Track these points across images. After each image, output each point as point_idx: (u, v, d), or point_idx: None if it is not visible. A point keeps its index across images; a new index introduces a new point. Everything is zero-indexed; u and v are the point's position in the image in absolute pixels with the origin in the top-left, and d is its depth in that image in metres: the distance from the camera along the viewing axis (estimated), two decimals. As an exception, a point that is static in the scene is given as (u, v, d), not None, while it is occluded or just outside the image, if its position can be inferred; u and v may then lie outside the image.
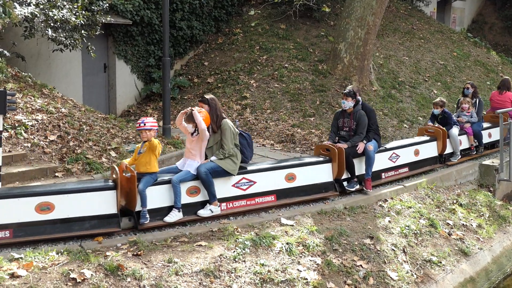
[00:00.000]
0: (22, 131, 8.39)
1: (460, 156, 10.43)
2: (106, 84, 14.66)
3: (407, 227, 7.56)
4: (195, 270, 5.52)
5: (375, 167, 8.56)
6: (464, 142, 10.71)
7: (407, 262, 6.94)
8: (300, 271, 6.02)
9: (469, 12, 26.79)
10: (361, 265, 6.47)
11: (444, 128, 10.10)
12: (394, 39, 18.71)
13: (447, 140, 10.14)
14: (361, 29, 14.45)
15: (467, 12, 26.57)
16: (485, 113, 12.33)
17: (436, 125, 10.35)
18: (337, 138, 8.55)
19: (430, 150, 9.95)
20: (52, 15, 10.44)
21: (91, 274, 5.03)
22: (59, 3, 10.69)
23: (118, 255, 5.49)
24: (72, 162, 8.10)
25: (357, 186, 8.26)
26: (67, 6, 10.86)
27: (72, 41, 11.08)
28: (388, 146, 9.25)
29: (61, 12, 10.62)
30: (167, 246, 5.93)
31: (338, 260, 6.41)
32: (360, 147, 8.22)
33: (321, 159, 8.13)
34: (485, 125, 11.47)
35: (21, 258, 5.23)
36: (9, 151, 7.92)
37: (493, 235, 8.55)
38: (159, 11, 14.72)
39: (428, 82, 16.55)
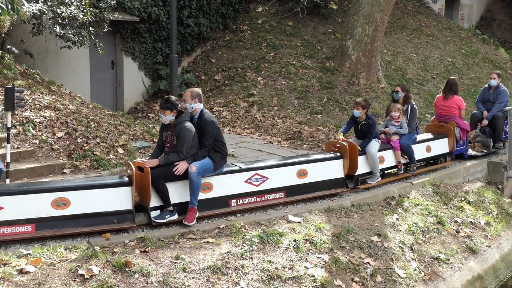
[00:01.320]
0: (30, 128, 8.42)
1: (379, 178, 8.49)
2: (114, 81, 14.69)
3: (414, 225, 7.54)
4: (202, 267, 5.53)
5: (221, 192, 6.96)
6: (389, 159, 8.82)
7: (415, 259, 6.92)
8: (308, 268, 6.01)
9: (478, 9, 26.63)
10: (368, 263, 6.46)
11: (353, 143, 8.18)
12: (402, 36, 18.64)
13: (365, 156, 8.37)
14: (369, 26, 14.40)
15: (475, 9, 26.41)
16: (429, 121, 11.54)
17: (351, 140, 8.54)
18: (163, 154, 6.77)
19: (328, 170, 7.93)
20: (60, 12, 10.48)
21: (99, 271, 5.04)
22: (67, 0, 10.72)
23: (126, 251, 5.51)
24: (80, 159, 8.13)
25: (173, 217, 6.46)
26: (75, 3, 10.88)
27: (80, 38, 11.11)
28: (250, 165, 7.37)
29: (69, 9, 10.64)
30: (174, 242, 5.93)
31: (346, 257, 6.40)
32: (180, 167, 6.45)
33: (332, 155, 8.07)
34: (423, 136, 9.71)
35: (29, 254, 5.25)
36: (18, 148, 7.96)
37: (501, 232, 8.51)
38: (167, 8, 14.72)
39: (436, 79, 16.48)
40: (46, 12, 10.21)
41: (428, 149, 9.56)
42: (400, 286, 6.38)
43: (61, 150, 8.28)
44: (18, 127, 8.33)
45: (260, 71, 14.87)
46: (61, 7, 10.57)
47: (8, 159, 6.80)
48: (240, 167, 7.18)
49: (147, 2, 14.43)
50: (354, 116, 8.47)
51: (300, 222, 6.86)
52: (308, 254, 6.25)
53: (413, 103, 9.32)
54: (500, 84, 11.16)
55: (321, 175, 7.84)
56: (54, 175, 7.72)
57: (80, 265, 5.08)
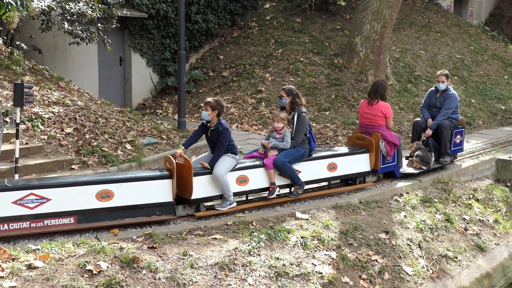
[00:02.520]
0: (39, 124, 8.45)
1: (234, 203, 6.83)
2: (122, 77, 14.72)
3: (422, 222, 7.51)
4: (210, 263, 5.53)
5: None
6: (256, 179, 7.11)
7: (423, 257, 6.90)
8: (315, 265, 6.01)
9: (487, 6, 26.48)
10: (376, 260, 6.45)
11: (188, 159, 6.58)
12: (410, 32, 18.56)
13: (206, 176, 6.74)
14: (377, 22, 14.34)
15: (484, 5, 26.26)
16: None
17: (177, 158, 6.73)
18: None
19: (147, 192, 6.40)
20: (68, 8, 10.50)
21: (107, 266, 5.06)
22: (75, -4, 10.74)
23: (134, 247, 5.52)
24: (88, 155, 8.15)
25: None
26: (84, 0, 10.90)
27: (88, 34, 11.13)
28: (24, 183, 5.97)
29: (78, 5, 10.67)
30: (182, 239, 5.94)
31: (353, 254, 6.39)
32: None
33: (157, 173, 6.61)
34: (325, 152, 8.19)
35: (38, 249, 5.27)
36: (26, 144, 7.99)
37: (510, 230, 8.47)
38: (175, 5, 14.72)
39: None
40: (55, 8, 10.24)
41: (332, 167, 7.81)
42: (408, 284, 6.37)
43: (70, 146, 8.30)
44: (27, 123, 8.35)
45: (268, 67, 14.85)
46: (70, 3, 10.59)
47: (17, 155, 6.82)
48: (7, 185, 5.79)
49: (155, -1, 14.45)
50: (203, 119, 7.03)
51: (307, 219, 6.85)
52: (315, 251, 6.24)
53: (303, 110, 7.49)
54: (450, 87, 9.45)
55: (135, 198, 6.32)
56: (62, 171, 7.74)
57: (88, 260, 5.09)
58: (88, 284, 4.77)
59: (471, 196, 8.95)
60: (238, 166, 6.93)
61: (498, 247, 7.92)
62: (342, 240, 6.58)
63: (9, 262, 4.90)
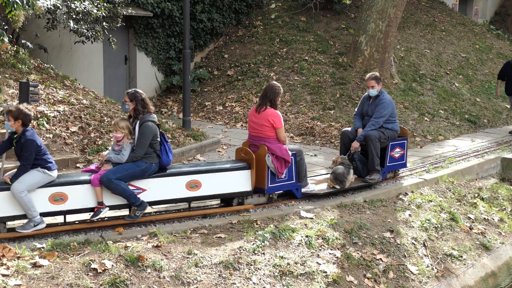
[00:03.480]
0: (45, 122, 8.48)
1: (42, 224, 5.78)
2: (127, 76, 14.74)
3: (427, 221, 7.50)
4: (214, 262, 5.54)
5: None
6: (77, 198, 5.99)
7: (428, 256, 6.89)
8: (320, 264, 6.01)
9: (492, 4, 26.35)
10: (381, 259, 6.44)
11: None
12: (415, 31, 18.51)
13: None
14: (382, 21, 14.31)
15: (489, 4, 26.14)
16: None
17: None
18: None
19: None
20: (74, 7, 10.53)
21: (112, 265, 5.07)
22: (81, -5, 10.77)
23: (138, 246, 5.53)
24: (93, 153, 8.18)
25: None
26: (89, -2, 10.93)
27: (94, 33, 11.16)
28: None
29: (83, 4, 10.69)
30: (186, 237, 5.95)
31: (358, 253, 6.39)
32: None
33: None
34: (184, 167, 7.00)
35: (43, 247, 5.29)
36: (32, 142, 8.00)
37: (515, 230, 8.44)
38: (180, 4, 14.72)
39: (450, 75, 16.37)
40: (60, 7, 10.27)
41: (194, 185, 6.59)
42: (413, 283, 6.36)
43: (75, 145, 8.33)
44: (32, 121, 8.37)
45: (272, 66, 14.84)
46: (75, 2, 10.62)
47: (23, 154, 6.83)
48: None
49: (160, -3, 14.46)
50: (6, 130, 6.22)
51: (312, 218, 6.85)
52: (320, 250, 6.24)
53: (151, 117, 6.31)
54: (383, 91, 8.22)
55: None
56: (67, 169, 7.77)
57: (93, 259, 5.11)
58: (93, 283, 4.79)
59: (476, 195, 8.93)
60: (55, 182, 5.88)
61: (503, 246, 7.90)
62: (347, 239, 6.57)
63: (14, 260, 4.92)
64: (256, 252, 5.86)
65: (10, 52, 10.32)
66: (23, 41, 11.24)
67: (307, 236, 6.33)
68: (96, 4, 11.04)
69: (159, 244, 5.63)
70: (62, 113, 8.93)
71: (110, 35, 11.91)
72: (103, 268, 4.99)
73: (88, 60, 13.36)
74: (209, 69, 15.82)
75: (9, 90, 8.98)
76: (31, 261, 4.91)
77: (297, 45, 15.71)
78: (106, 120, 9.27)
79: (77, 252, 5.26)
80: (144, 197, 6.25)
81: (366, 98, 8.31)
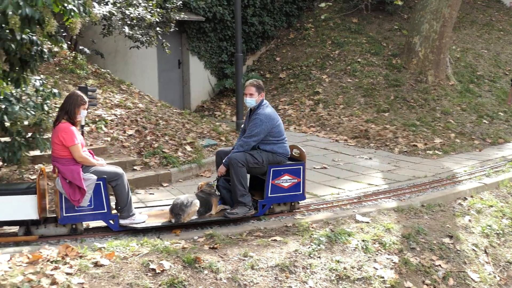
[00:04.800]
0: (102, 126, 8.68)
1: None
2: (181, 80, 14.94)
3: (488, 227, 7.26)
4: (270, 265, 5.52)
5: None
6: None
7: (489, 263, 6.67)
8: (377, 269, 5.90)
9: (553, 2, 25.41)
10: (440, 265, 6.27)
11: None
12: (471, 31, 18.04)
13: None
14: (437, 21, 14.00)
15: (550, 2, 25.21)
16: None
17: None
18: None
19: None
20: (128, 13, 10.75)
21: (170, 266, 5.12)
22: (135, 2, 10.99)
23: (196, 247, 5.57)
24: (150, 156, 8.30)
25: None
26: (143, 4, 11.14)
27: (148, 38, 11.37)
28: None
29: (137, 10, 10.90)
30: (242, 240, 5.95)
31: (416, 259, 6.24)
32: None
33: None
34: None
35: (103, 247, 5.40)
36: (91, 145, 8.21)
37: None
38: (231, 8, 14.83)
39: (509, 75, 15.85)
40: (116, 14, 10.50)
41: None
42: (474, 290, 6.17)
43: (132, 148, 8.48)
44: (91, 125, 8.59)
45: (325, 68, 14.75)
46: (130, 8, 10.84)
47: (82, 156, 6.99)
48: None
49: (212, 2, 14.60)
50: None
51: (368, 222, 6.74)
52: (377, 254, 6.13)
53: None
54: (264, 104, 6.70)
55: None
56: (125, 171, 7.89)
57: (152, 259, 5.17)
58: (152, 283, 4.85)
59: (539, 200, 8.59)
60: None
61: None
62: (404, 244, 6.44)
63: (77, 259, 5.04)
64: (312, 255, 5.81)
65: (68, 58, 10.63)
66: (80, 47, 11.56)
67: (363, 241, 6.23)
68: (149, 10, 11.24)
69: (216, 246, 5.66)
70: (119, 116, 9.12)
71: (164, 40, 12.10)
72: (161, 269, 5.04)
73: (143, 65, 13.61)
74: (261, 72, 15.86)
75: (68, 94, 9.22)
76: (92, 261, 5.02)
77: (349, 47, 15.56)
78: (161, 124, 9.41)
79: (136, 253, 5.34)
80: None
81: (248, 111, 6.85)
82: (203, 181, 6.82)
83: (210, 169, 8.73)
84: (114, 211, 6.09)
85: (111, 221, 5.97)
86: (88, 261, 5.01)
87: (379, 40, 16.00)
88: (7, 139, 6.57)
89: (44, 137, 6.83)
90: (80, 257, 5.10)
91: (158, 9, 11.61)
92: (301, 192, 6.78)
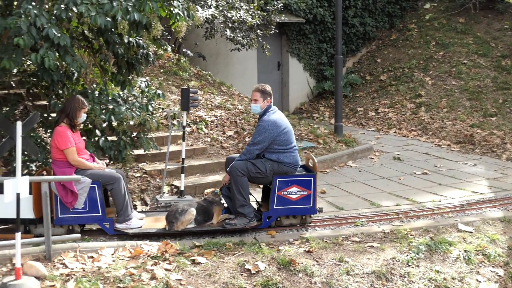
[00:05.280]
0: (203, 127, 8.91)
1: None
2: (280, 82, 15.03)
3: None
4: (366, 271, 5.42)
5: None
6: None
7: None
8: (480, 281, 5.62)
9: None
10: (550, 281, 5.87)
11: None
12: None
13: None
14: (553, 20, 13.12)
15: None
16: None
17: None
18: None
19: None
20: (230, 16, 10.97)
21: (265, 267, 5.17)
22: (236, 5, 11.19)
23: (291, 250, 5.58)
24: (247, 157, 8.40)
25: None
26: (244, 7, 11.32)
27: (248, 40, 11.53)
28: None
29: (239, 13, 11.09)
30: (338, 244, 5.88)
31: (524, 273, 5.88)
32: None
33: None
34: None
35: (201, 246, 5.54)
36: (191, 145, 8.46)
37: None
38: (332, 9, 14.72)
39: None
40: (218, 17, 10.74)
41: None
42: None
43: (231, 148, 8.64)
44: (192, 125, 8.85)
45: (428, 70, 14.27)
46: (231, 11, 11.06)
47: (183, 156, 7.23)
48: None
49: (313, 3, 14.57)
50: None
51: (471, 232, 6.43)
52: (480, 266, 5.84)
53: None
54: (271, 111, 6.30)
55: None
56: (223, 172, 8.07)
57: (247, 260, 5.24)
58: (247, 283, 4.91)
59: None
60: None
61: None
62: (511, 256, 6.08)
63: (176, 256, 5.21)
64: (410, 264, 5.64)
65: (172, 60, 11.01)
66: (184, 50, 11.95)
67: (465, 251, 5.96)
68: (250, 13, 11.40)
69: (311, 249, 5.63)
70: (219, 118, 9.32)
71: (264, 42, 12.22)
72: (256, 270, 5.10)
73: (243, 67, 13.82)
74: (361, 74, 15.61)
75: (172, 96, 9.56)
76: (190, 258, 5.17)
77: (454, 48, 14.94)
78: (259, 125, 9.51)
79: (232, 252, 5.43)
80: None
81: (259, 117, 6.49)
82: (211, 188, 6.60)
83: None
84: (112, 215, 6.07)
85: (105, 225, 5.93)
86: (186, 258, 5.16)
87: (488, 40, 15.23)
88: (114, 138, 6.90)
89: (148, 136, 7.12)
90: (179, 254, 5.27)
91: (259, 12, 11.75)
92: (311, 205, 6.27)
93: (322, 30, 15.13)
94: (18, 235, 4.45)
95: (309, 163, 6.59)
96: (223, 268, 5.10)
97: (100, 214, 5.88)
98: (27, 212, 5.71)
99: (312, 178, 6.24)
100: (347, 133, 10.89)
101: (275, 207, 6.17)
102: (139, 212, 6.44)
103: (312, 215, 6.44)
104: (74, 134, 5.86)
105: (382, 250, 5.80)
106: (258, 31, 11.80)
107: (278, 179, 6.14)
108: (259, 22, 11.65)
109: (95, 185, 5.80)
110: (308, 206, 6.25)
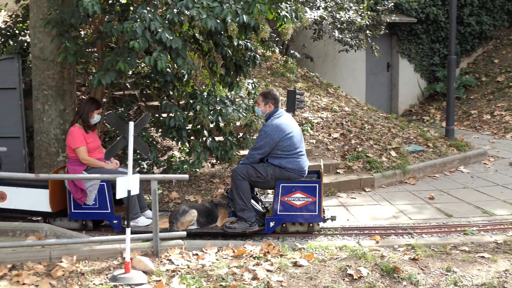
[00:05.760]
0: (309, 128, 8.90)
1: None
2: (389, 83, 14.70)
3: None
4: (475, 283, 5.14)
5: None
6: None
7: None
8: None
9: None
10: None
11: None
12: None
13: None
14: None
15: None
16: None
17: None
18: None
19: None
20: (339, 17, 10.88)
21: (367, 273, 5.06)
22: (345, 5, 11.08)
23: (395, 257, 5.42)
24: (353, 160, 8.30)
25: None
26: (353, 8, 11.18)
27: (357, 41, 11.39)
28: None
29: (348, 14, 10.98)
30: (446, 253, 5.64)
31: None
32: None
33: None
34: None
35: (303, 248, 5.54)
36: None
37: None
38: (446, 8, 14.17)
39: None
40: (326, 18, 10.70)
41: (1, 196, 6.28)
42: None
43: (336, 151, 8.57)
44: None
45: (551, 71, 13.34)
46: (340, 12, 10.96)
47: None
48: None
49: (426, 2, 14.11)
50: None
51: None
52: None
53: None
54: (276, 115, 6.05)
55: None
56: (328, 174, 8.02)
57: (350, 265, 5.16)
58: (348, 288, 4.84)
59: None
60: None
61: None
62: None
63: (277, 257, 5.24)
64: (526, 278, 5.28)
65: (280, 62, 11.11)
66: (291, 51, 12.01)
67: None
68: (360, 13, 11.24)
69: (416, 257, 5.44)
70: (325, 119, 9.27)
71: (373, 43, 12.00)
72: (358, 275, 5.00)
73: (351, 68, 13.67)
74: (476, 75, 14.88)
75: (278, 97, 9.64)
76: (292, 260, 5.18)
77: None
78: (366, 127, 9.35)
79: (334, 256, 5.37)
80: None
81: None
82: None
83: (415, 176, 8.43)
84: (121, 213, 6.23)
85: (114, 221, 6.11)
86: (288, 260, 5.17)
87: None
88: (221, 138, 7.08)
89: (253, 137, 7.23)
90: (281, 255, 5.30)
91: (368, 12, 11.57)
92: (317, 213, 6.01)
93: (435, 30, 14.61)
94: (128, 230, 4.68)
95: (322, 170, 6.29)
96: (324, 271, 5.06)
97: (109, 211, 6.11)
98: (45, 206, 6.12)
99: (317, 185, 5.98)
100: (459, 137, 10.42)
101: (278, 212, 6.01)
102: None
103: (319, 224, 6.21)
104: (87, 135, 6.20)
105: (494, 262, 5.48)
106: (367, 31, 11.61)
107: (281, 184, 5.97)
108: (368, 23, 11.47)
109: (104, 183, 6.05)
110: (313, 213, 6.04)
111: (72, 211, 6.14)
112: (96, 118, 6.24)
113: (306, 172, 6.16)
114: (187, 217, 5.99)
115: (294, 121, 6.26)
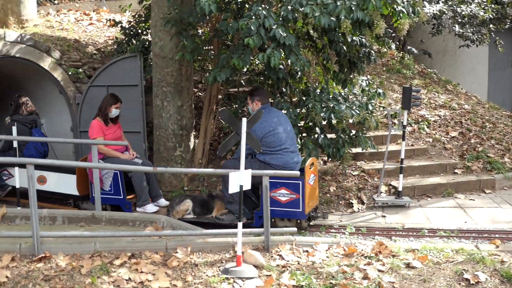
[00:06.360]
0: (425, 126, 8.61)
1: None
2: (514, 80, 13.88)
3: None
4: None
5: None
6: None
7: None
8: None
9: None
10: None
11: None
12: None
13: None
14: None
15: None
16: None
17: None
18: None
19: None
20: (460, 11, 10.41)
21: (486, 278, 4.81)
22: (468, -1, 10.61)
23: (516, 263, 5.11)
24: (472, 160, 7.92)
25: None
26: (476, 1, 10.66)
27: (479, 36, 10.85)
28: None
29: (469, 7, 10.48)
30: None
31: None
32: None
33: None
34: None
35: (417, 249, 5.37)
36: (412, 145, 8.24)
37: None
38: None
39: None
40: (446, 12, 10.27)
41: (41, 180, 7.11)
42: None
43: (454, 150, 8.22)
44: (413, 125, 8.61)
45: None
46: (461, 5, 10.49)
47: (402, 155, 7.06)
48: None
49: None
50: None
51: None
52: None
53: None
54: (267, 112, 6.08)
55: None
56: (445, 174, 7.72)
57: (466, 269, 4.93)
58: (465, 294, 4.63)
59: None
60: None
61: None
62: None
63: (389, 258, 5.12)
64: None
65: (396, 58, 10.83)
66: (408, 47, 11.67)
67: None
68: (483, 7, 10.69)
69: (541, 264, 5.09)
70: (442, 117, 8.92)
71: (497, 38, 11.37)
72: (476, 280, 4.77)
73: (472, 64, 13.03)
74: None
75: (393, 94, 9.42)
76: (405, 261, 5.04)
77: None
78: (487, 126, 8.87)
79: (450, 259, 5.16)
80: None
81: None
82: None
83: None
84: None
85: (126, 206, 6.70)
86: (401, 261, 5.04)
87: None
88: (333, 136, 7.03)
89: (366, 135, 7.12)
90: (393, 256, 5.17)
91: (492, 5, 10.97)
92: (301, 210, 6.04)
93: None
94: (240, 225, 4.78)
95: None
96: (439, 274, 4.87)
97: (122, 197, 6.71)
98: (74, 190, 6.85)
99: (300, 182, 6.00)
100: None
101: (274, 208, 6.12)
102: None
103: (307, 220, 6.29)
104: (107, 127, 6.74)
105: None
106: (491, 25, 11.01)
107: (269, 180, 5.72)
108: (492, 16, 10.87)
109: (118, 172, 6.61)
110: (297, 210, 6.08)
111: (93, 195, 6.74)
112: (114, 112, 6.75)
113: (296, 169, 6.13)
114: (182, 206, 6.52)
115: (286, 118, 6.33)
